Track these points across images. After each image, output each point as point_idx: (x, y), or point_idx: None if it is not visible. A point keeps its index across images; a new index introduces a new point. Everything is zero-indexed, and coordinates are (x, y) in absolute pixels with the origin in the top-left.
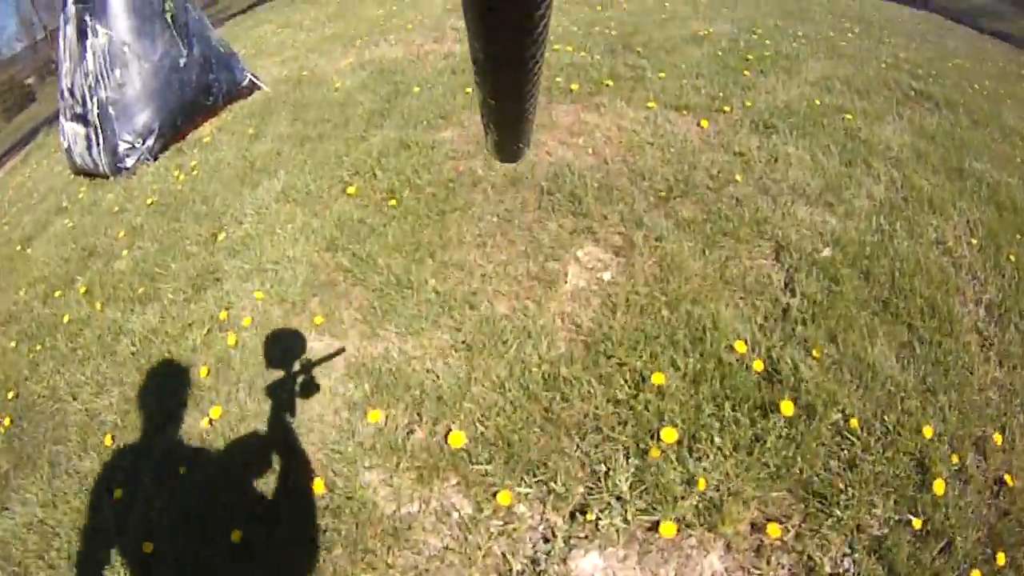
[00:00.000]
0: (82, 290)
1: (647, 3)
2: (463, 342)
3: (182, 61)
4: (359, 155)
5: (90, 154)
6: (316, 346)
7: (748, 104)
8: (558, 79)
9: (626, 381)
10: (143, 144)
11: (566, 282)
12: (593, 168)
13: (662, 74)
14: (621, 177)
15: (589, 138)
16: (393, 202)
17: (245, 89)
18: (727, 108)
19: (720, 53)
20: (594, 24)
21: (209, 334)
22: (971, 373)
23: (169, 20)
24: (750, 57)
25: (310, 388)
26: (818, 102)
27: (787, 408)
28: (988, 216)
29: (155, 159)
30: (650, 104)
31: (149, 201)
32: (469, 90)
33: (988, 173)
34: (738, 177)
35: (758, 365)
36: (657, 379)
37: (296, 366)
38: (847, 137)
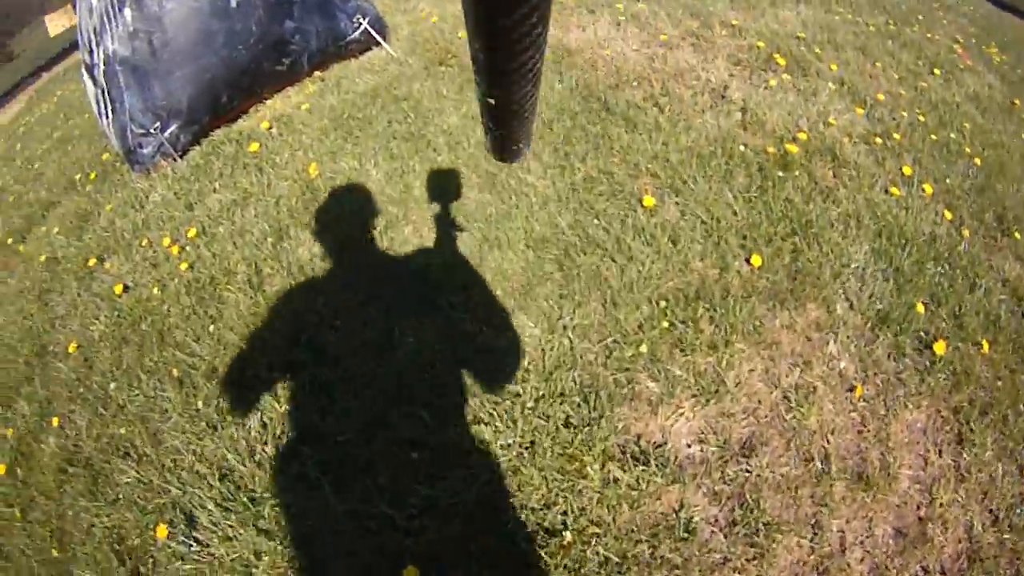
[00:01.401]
0: None
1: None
2: None
3: (233, 0)
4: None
5: (105, 125)
6: None
7: None
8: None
9: None
10: (162, 131)
11: None
12: None
13: None
14: None
15: None
16: None
17: (354, 45)
18: None
19: None
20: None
21: None
22: None
23: None
24: None
25: None
26: None
27: None
28: None
29: (182, 156)
30: None
31: (112, 314)
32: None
33: None
34: None
35: None
36: None
37: None
38: None
